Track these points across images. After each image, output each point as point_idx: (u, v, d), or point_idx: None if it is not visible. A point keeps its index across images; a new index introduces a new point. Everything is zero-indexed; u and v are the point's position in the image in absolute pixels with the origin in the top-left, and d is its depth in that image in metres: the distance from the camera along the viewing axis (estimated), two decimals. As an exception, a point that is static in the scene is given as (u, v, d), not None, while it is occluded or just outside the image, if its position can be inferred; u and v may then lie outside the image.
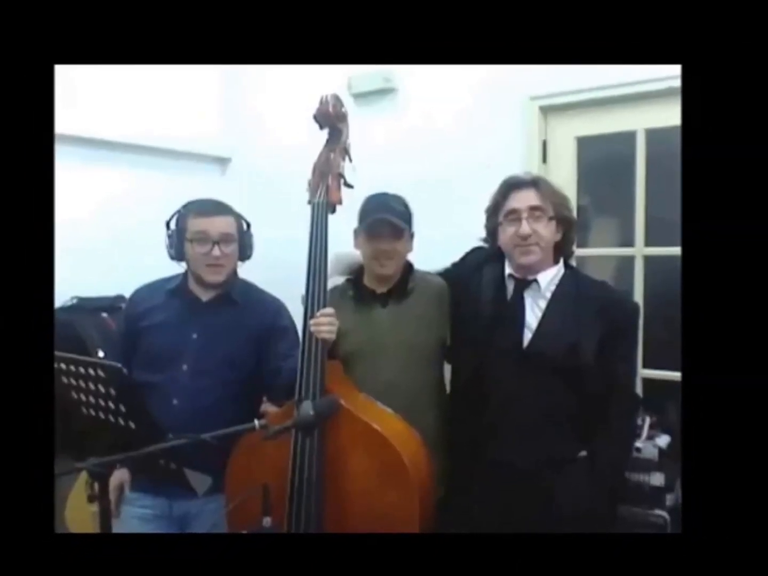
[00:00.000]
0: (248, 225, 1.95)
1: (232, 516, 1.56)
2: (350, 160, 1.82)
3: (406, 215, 1.91)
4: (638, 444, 2.18)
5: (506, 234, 1.79)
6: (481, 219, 1.90)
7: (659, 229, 2.49)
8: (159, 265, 1.90)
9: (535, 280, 1.79)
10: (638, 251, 2.52)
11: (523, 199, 1.77)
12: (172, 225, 1.88)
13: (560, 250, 1.84)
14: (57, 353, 1.32)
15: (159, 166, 3.09)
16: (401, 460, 1.52)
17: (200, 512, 1.78)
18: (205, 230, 1.81)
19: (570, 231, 1.85)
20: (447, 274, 2.04)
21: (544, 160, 2.66)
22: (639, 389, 2.43)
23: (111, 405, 1.37)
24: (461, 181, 2.72)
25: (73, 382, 1.39)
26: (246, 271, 1.98)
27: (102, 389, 1.36)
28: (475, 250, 2.03)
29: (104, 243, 2.80)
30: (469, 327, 1.86)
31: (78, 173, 2.72)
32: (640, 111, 2.45)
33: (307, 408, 1.42)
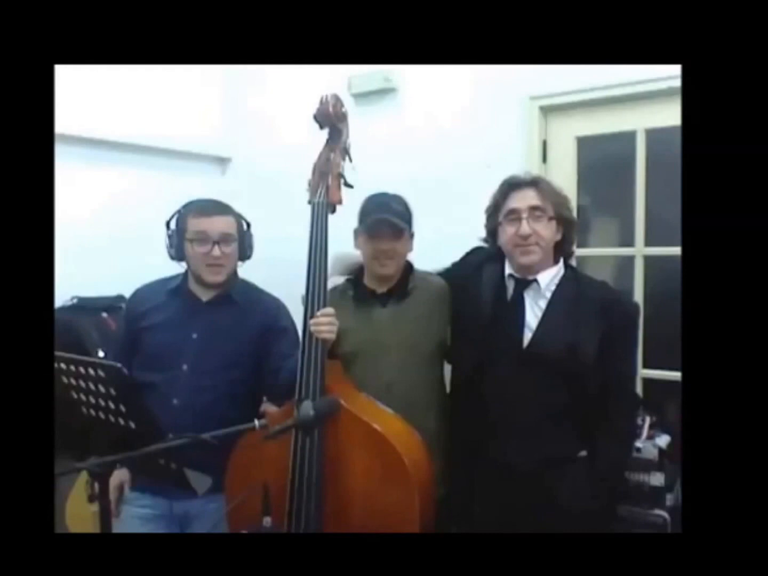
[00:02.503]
0: (248, 225, 1.95)
1: (232, 516, 1.56)
2: (350, 160, 1.82)
3: (406, 215, 1.91)
4: (638, 444, 2.18)
5: (506, 234, 1.79)
6: (481, 219, 1.90)
7: (659, 229, 2.49)
8: (159, 265, 1.90)
9: (535, 280, 1.79)
10: (638, 251, 2.52)
11: (523, 199, 1.77)
12: (172, 225, 1.88)
13: (560, 250, 1.84)
14: (57, 353, 1.32)
15: (159, 166, 3.09)
16: (401, 460, 1.52)
17: (201, 512, 1.78)
18: (205, 230, 1.81)
19: (570, 231, 1.85)
20: (447, 274, 2.04)
21: (544, 160, 2.66)
22: (639, 389, 2.43)
23: (111, 405, 1.37)
24: (461, 180, 2.72)
25: (73, 381, 1.39)
26: (246, 271, 1.98)
27: (102, 389, 1.36)
28: (475, 250, 2.03)
29: (104, 243, 2.80)
30: (469, 327, 1.86)
31: (78, 173, 2.72)
32: (640, 111, 2.45)
33: (307, 408, 1.42)
